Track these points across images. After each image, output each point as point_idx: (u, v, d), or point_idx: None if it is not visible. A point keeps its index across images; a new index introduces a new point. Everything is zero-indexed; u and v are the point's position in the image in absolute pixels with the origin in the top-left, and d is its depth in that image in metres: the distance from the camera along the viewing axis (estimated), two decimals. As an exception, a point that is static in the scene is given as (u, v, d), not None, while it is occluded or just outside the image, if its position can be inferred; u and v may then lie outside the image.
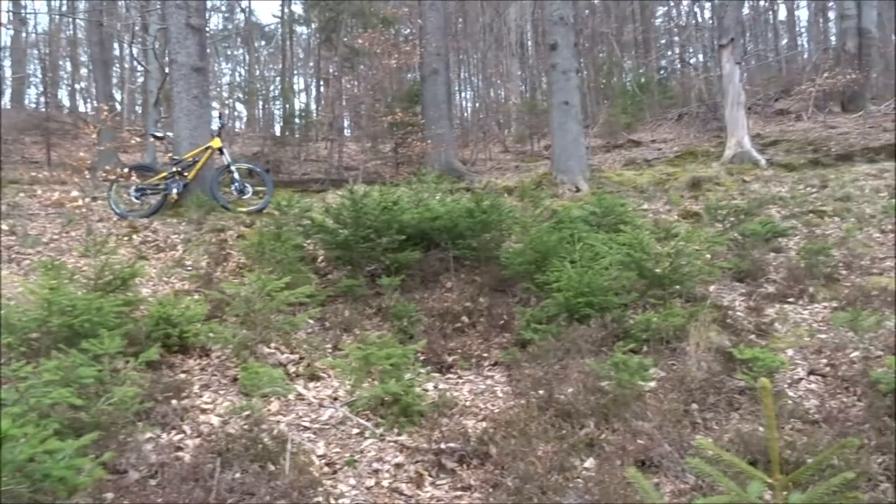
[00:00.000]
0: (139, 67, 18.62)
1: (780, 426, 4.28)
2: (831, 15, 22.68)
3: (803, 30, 28.14)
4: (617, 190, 11.09)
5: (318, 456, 4.10)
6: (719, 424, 4.33)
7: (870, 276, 6.88)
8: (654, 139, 17.47)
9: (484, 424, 4.42)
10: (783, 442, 3.90)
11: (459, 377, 5.51)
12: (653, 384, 4.75)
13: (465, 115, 25.59)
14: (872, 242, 7.91)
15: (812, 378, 5.03)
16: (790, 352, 5.46)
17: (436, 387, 5.21)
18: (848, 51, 18.03)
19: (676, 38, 25.32)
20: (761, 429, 4.12)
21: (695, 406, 4.50)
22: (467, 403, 4.90)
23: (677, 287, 6.05)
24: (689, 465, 3.07)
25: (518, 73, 25.32)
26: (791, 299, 6.51)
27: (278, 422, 4.44)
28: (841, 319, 5.51)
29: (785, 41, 27.06)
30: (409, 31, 19.81)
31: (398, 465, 4.00)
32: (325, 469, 3.97)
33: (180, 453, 3.92)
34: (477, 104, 24.69)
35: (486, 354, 5.82)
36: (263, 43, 27.76)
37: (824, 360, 5.24)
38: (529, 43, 25.75)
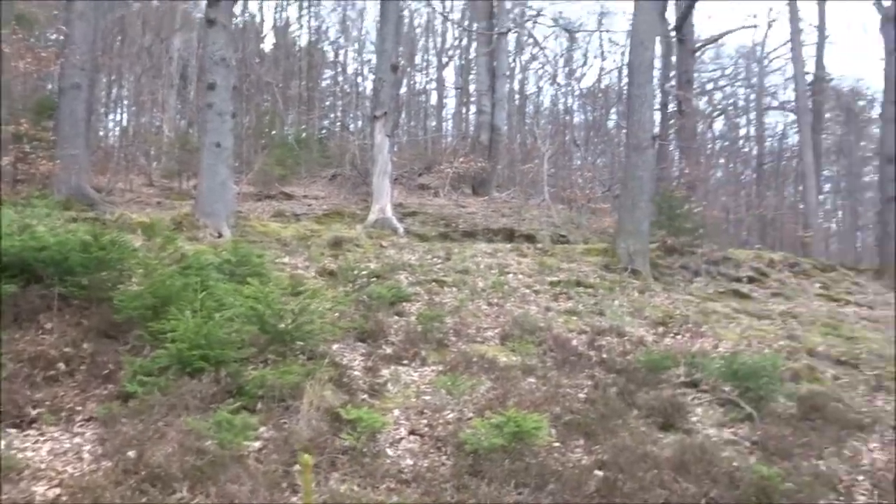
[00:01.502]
0: None
1: (375, 486, 4.42)
2: (473, 108, 25.60)
3: (449, 116, 31.50)
4: (260, 240, 10.95)
5: None
6: (318, 486, 4.31)
7: (473, 344, 7.63)
8: (306, 195, 17.79)
9: (57, 491, 3.84)
10: (375, 502, 4.02)
11: (42, 434, 4.78)
12: (258, 444, 4.60)
13: (111, 139, 23.52)
14: (480, 313, 8.84)
15: (412, 438, 5.33)
16: (397, 412, 5.74)
17: (8, 445, 4.44)
18: (482, 142, 20.50)
19: (339, 103, 26.47)
20: (356, 488, 4.20)
21: (297, 467, 4.44)
22: (42, 466, 4.24)
23: (300, 344, 6.05)
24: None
25: (177, 105, 24.15)
26: (405, 361, 6.92)
27: None
28: (442, 382, 5.97)
29: (434, 123, 29.95)
30: (56, 37, 17.74)
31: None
32: None
33: None
34: (125, 130, 22.89)
35: (80, 408, 5.14)
36: None
37: (425, 421, 5.61)
38: (193, 77, 24.80)
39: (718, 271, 13.27)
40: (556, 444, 5.36)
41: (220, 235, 10.94)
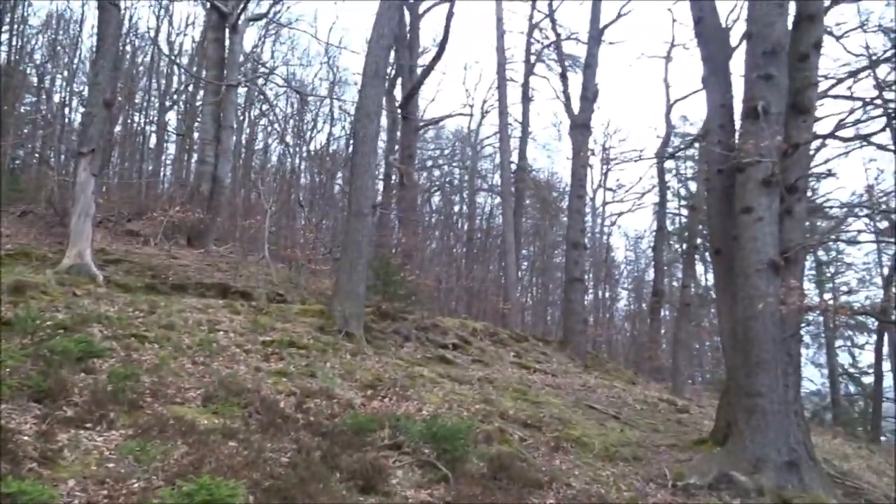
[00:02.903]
0: None
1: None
2: (195, 156, 24.54)
3: (169, 161, 29.86)
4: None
5: None
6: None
7: (172, 405, 7.08)
8: (-12, 231, 15.53)
9: None
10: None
11: None
12: None
13: None
14: (183, 372, 8.26)
15: (88, 512, 4.74)
16: (72, 482, 5.08)
17: None
18: (202, 192, 19.68)
19: (40, 132, 23.79)
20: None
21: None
22: None
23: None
24: None
25: None
26: (89, 424, 6.19)
27: None
28: (130, 448, 5.43)
29: (150, 167, 28.12)
30: None
31: None
32: None
33: None
34: None
35: None
36: None
37: (105, 492, 5.02)
38: None
39: (427, 337, 13.95)
40: (253, 512, 5.12)
41: None
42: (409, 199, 21.29)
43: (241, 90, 24.12)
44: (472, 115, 34.79)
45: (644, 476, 8.68)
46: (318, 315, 12.45)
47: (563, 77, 23.72)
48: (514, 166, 27.52)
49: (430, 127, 32.02)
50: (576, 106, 21.87)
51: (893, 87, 17.30)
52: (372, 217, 13.75)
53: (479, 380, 11.96)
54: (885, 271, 24.26)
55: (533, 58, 28.45)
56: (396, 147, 23.25)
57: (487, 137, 35.45)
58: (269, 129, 30.02)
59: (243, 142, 29.06)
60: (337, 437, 7.00)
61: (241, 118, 28.02)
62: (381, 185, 23.44)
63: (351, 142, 18.22)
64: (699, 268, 31.58)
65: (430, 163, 34.23)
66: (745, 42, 10.19)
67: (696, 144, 24.08)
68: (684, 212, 31.04)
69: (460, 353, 14.23)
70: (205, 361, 8.84)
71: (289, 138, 27.90)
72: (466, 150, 34.64)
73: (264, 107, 27.55)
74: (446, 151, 35.33)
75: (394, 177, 22.14)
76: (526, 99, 28.60)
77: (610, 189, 38.12)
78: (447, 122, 34.31)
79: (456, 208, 35.00)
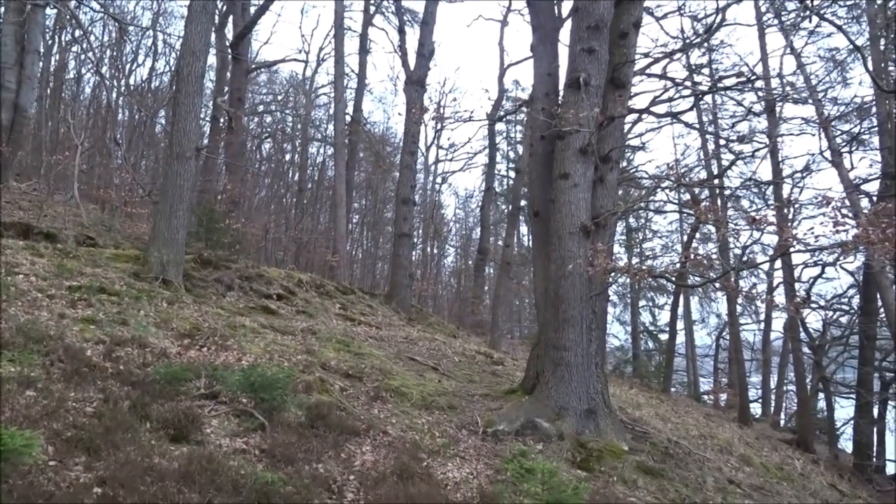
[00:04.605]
0: None
1: None
2: None
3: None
4: None
5: None
6: None
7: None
8: None
9: None
10: None
11: None
12: None
13: None
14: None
15: None
16: None
17: None
18: (2, 122, 17.75)
19: None
20: None
21: None
22: None
23: None
24: None
25: None
26: None
27: None
28: None
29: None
30: None
31: None
32: None
33: None
34: None
35: None
36: None
37: None
38: None
39: (251, 287, 13.68)
40: (52, 463, 4.88)
41: None
42: (237, 144, 20.47)
43: (51, 12, 21.84)
44: (307, 61, 33.96)
45: (457, 423, 9.16)
46: (133, 261, 11.81)
47: (401, 31, 23.64)
48: (348, 118, 27.24)
49: (263, 70, 30.84)
50: (412, 62, 21.95)
51: (702, 71, 18.97)
52: (195, 160, 13.13)
53: (302, 331, 11.95)
54: (685, 239, 26.75)
55: (372, 8, 28.09)
56: (226, 89, 22.16)
57: (322, 86, 34.75)
58: (83, 57, 27.47)
59: (51, 69, 26.40)
60: (148, 386, 6.77)
61: (50, 43, 25.44)
62: (207, 128, 22.37)
63: (175, 79, 17.12)
64: (522, 229, 33.16)
65: (261, 108, 33.01)
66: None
67: (524, 109, 25.06)
68: (511, 174, 32.34)
69: (285, 303, 14.10)
70: (1, 307, 8.15)
71: (105, 70, 25.71)
72: (300, 98, 33.73)
73: (77, 32, 25.15)
74: (279, 98, 34.19)
75: (222, 120, 21.15)
76: (363, 50, 28.25)
77: (442, 147, 38.90)
78: (281, 67, 33.25)
79: (287, 157, 34.10)
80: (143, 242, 12.86)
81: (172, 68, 25.13)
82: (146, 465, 4.97)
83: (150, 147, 24.24)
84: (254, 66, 24.99)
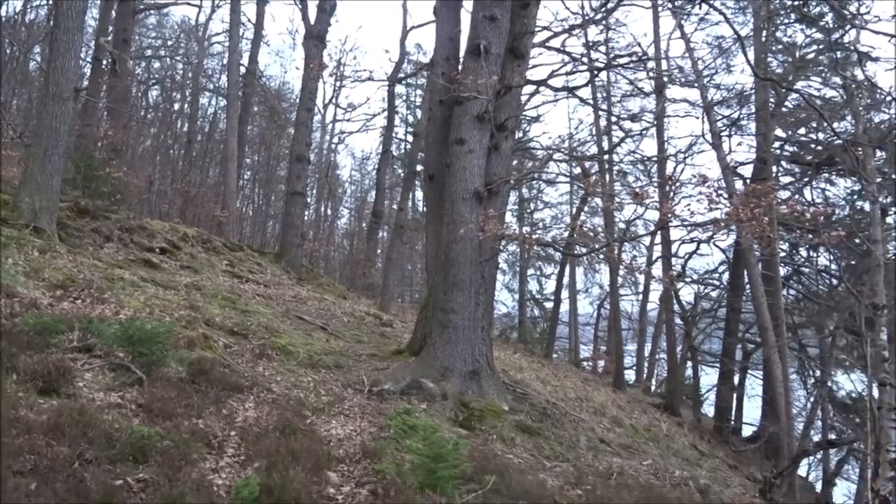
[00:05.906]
0: None
1: None
2: None
3: None
4: None
5: None
6: None
7: None
8: None
9: None
10: None
11: None
12: None
13: None
14: None
15: None
16: None
17: None
18: None
19: None
20: None
21: None
22: None
23: None
24: None
25: None
26: None
27: None
28: None
29: None
30: None
31: None
32: None
33: None
34: None
35: None
36: None
37: None
38: None
39: (132, 239, 13.13)
40: None
41: None
42: (120, 88, 19.32)
43: None
44: (200, 6, 32.25)
45: (343, 382, 9.21)
46: (1, 206, 11.05)
47: (303, -17, 22.94)
48: (243, 69, 26.25)
49: (152, 12, 29.16)
50: (313, 16, 21.39)
51: (599, 49, 19.47)
52: (74, 103, 12.32)
53: (186, 286, 11.61)
54: (574, 211, 27.62)
55: (273, -44, 27.04)
56: (110, 28, 20.83)
57: (217, 34, 33.21)
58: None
59: None
60: (16, 337, 6.41)
61: None
62: (88, 70, 21.02)
63: (53, 13, 15.93)
64: (418, 193, 33.22)
65: (149, 52, 31.24)
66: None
67: (425, 73, 24.96)
68: (410, 138, 32.23)
69: (168, 258, 13.62)
70: None
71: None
72: (192, 45, 32.13)
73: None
74: (169, 43, 32.46)
75: (105, 62, 19.88)
76: None
77: (340, 107, 38.24)
78: (172, 10, 31.58)
79: (176, 106, 32.51)
80: (14, 187, 12.00)
81: (50, 1, 23.35)
82: (12, 416, 4.73)
83: (22, 85, 22.51)
84: (142, 6, 23.59)
